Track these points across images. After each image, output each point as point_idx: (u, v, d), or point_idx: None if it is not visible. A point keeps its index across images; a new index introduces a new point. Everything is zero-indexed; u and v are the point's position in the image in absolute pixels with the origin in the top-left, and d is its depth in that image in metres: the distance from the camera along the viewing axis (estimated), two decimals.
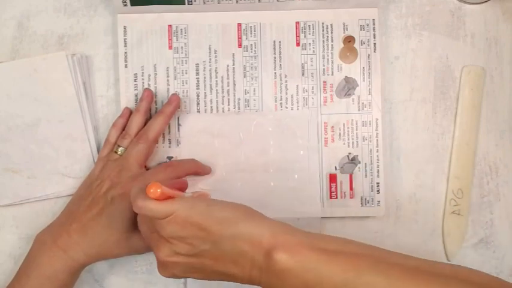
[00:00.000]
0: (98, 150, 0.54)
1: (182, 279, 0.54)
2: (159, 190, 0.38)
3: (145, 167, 0.52)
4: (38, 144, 0.53)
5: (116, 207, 0.47)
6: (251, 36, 0.54)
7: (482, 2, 0.55)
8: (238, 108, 0.54)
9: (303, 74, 0.54)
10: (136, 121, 0.51)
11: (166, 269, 0.42)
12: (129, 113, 0.53)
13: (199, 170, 0.52)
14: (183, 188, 0.49)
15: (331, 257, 0.38)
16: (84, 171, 0.53)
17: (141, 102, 0.52)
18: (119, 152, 0.50)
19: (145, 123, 0.52)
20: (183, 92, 0.54)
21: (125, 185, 0.47)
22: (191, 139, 0.53)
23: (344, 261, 0.37)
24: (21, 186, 0.53)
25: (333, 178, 0.53)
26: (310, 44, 0.54)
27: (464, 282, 0.37)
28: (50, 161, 0.53)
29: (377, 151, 0.54)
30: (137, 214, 0.48)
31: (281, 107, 0.54)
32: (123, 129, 0.52)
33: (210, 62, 0.54)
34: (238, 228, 0.39)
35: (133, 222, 0.48)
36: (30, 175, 0.53)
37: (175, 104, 0.52)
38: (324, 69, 0.54)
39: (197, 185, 0.53)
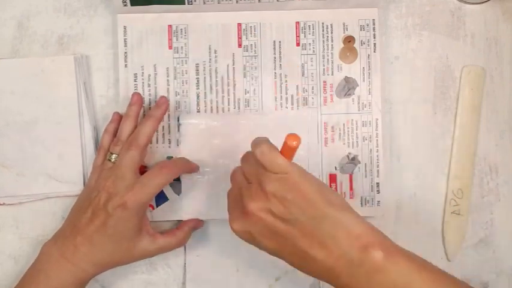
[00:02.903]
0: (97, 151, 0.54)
1: (182, 280, 0.54)
2: (294, 143, 0.39)
3: (145, 167, 0.52)
4: (32, 143, 0.53)
5: (119, 219, 0.46)
6: (251, 36, 0.54)
7: (482, 2, 0.55)
8: (238, 108, 0.54)
9: (303, 74, 0.54)
10: (128, 127, 0.50)
11: (247, 222, 0.41)
12: (120, 118, 0.52)
13: (191, 167, 0.52)
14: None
15: (421, 268, 0.38)
16: (72, 176, 0.53)
17: (131, 107, 0.51)
18: (112, 160, 0.49)
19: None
20: (183, 92, 0.54)
21: (123, 196, 0.46)
22: (191, 139, 0.53)
23: (431, 274, 0.38)
24: (8, 182, 0.53)
25: (332, 178, 0.53)
26: (310, 44, 0.54)
27: None
28: (40, 161, 0.53)
29: (377, 151, 0.54)
30: (143, 218, 0.48)
31: (281, 107, 0.54)
32: (115, 134, 0.51)
33: (210, 62, 0.54)
34: (341, 214, 0.39)
35: (139, 229, 0.48)
36: (19, 172, 0.53)
37: (164, 107, 0.51)
38: (324, 69, 0.54)
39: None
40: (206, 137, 0.53)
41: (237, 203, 0.43)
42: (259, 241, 0.41)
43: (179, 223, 0.53)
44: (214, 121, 0.53)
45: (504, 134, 0.55)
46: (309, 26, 0.54)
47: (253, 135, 0.53)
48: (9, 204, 0.53)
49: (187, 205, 0.53)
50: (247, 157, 0.44)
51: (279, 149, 0.41)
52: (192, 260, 0.54)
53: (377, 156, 0.54)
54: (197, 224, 0.52)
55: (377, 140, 0.54)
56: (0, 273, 0.54)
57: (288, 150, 0.41)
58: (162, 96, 0.52)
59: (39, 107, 0.53)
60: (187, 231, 0.51)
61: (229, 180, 0.45)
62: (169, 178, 0.49)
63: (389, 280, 0.38)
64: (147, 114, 0.51)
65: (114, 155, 0.49)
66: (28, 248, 0.54)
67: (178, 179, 0.53)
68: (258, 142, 0.41)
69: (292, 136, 0.40)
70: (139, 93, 0.52)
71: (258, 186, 0.41)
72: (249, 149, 0.51)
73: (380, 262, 0.38)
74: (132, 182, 0.47)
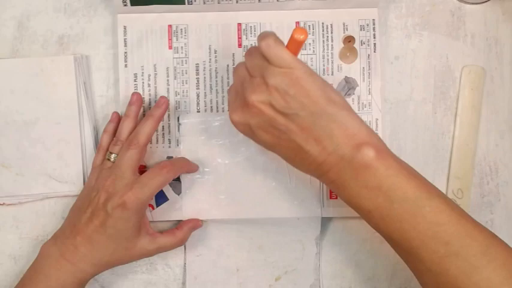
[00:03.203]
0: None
1: (182, 280, 0.54)
2: (302, 36, 0.39)
3: (145, 167, 0.52)
4: (32, 142, 0.53)
5: (118, 218, 0.46)
6: (251, 36, 0.54)
7: (482, 2, 0.55)
8: None
9: None
10: (127, 126, 0.50)
11: (247, 114, 0.41)
12: (119, 117, 0.52)
13: (190, 167, 0.52)
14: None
15: (410, 175, 0.40)
16: (71, 176, 0.53)
17: (131, 106, 0.51)
18: (112, 159, 0.49)
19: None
20: (183, 92, 0.54)
21: (122, 195, 0.46)
22: (191, 139, 0.53)
23: (420, 182, 0.39)
24: (8, 182, 0.53)
25: None
26: (310, 44, 0.54)
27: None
28: (40, 161, 0.53)
29: None
30: (143, 217, 0.48)
31: None
32: (115, 133, 0.51)
33: (210, 62, 0.54)
34: (341, 112, 0.40)
35: (138, 228, 0.48)
36: (19, 172, 0.53)
37: (164, 106, 0.51)
38: (324, 69, 0.54)
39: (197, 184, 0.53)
40: (206, 137, 0.53)
41: (238, 96, 0.43)
42: (257, 134, 0.42)
43: (179, 223, 0.52)
44: (214, 121, 0.53)
45: (504, 134, 0.55)
46: (309, 26, 0.54)
47: None
48: (9, 204, 0.53)
49: (187, 205, 0.53)
50: (252, 51, 0.43)
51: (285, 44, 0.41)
52: (192, 260, 0.54)
53: None
54: (196, 224, 0.52)
55: None
56: (0, 273, 0.54)
57: (294, 45, 0.40)
58: (162, 97, 0.52)
59: (39, 107, 0.53)
60: (187, 231, 0.51)
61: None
62: (169, 178, 0.49)
63: (375, 179, 0.38)
64: (147, 113, 0.51)
65: (113, 154, 0.49)
66: (28, 248, 0.54)
67: (178, 179, 0.53)
68: (264, 35, 0.41)
69: (300, 30, 0.40)
70: (138, 93, 0.52)
71: (260, 80, 0.41)
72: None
73: (370, 160, 0.38)
74: (132, 181, 0.47)
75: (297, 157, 0.41)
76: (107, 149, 0.51)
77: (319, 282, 0.54)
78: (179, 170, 0.51)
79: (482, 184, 0.55)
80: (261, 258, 0.54)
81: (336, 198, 0.53)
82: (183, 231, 0.51)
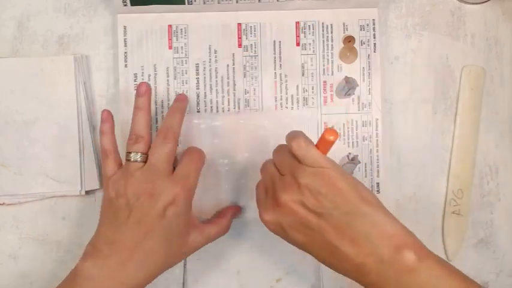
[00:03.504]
0: (96, 153, 0.54)
1: (182, 281, 0.54)
2: (332, 137, 0.40)
3: None
4: (31, 142, 0.53)
5: (172, 217, 0.43)
6: (251, 36, 0.54)
7: (482, 2, 0.55)
8: (238, 108, 0.54)
9: (303, 74, 0.54)
10: (144, 120, 0.46)
11: (279, 213, 0.41)
12: (111, 116, 0.48)
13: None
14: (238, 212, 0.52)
15: (452, 274, 0.38)
16: (69, 177, 0.53)
17: (141, 98, 0.47)
18: (133, 159, 0.45)
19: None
20: (183, 92, 0.54)
21: (172, 192, 0.43)
22: (191, 139, 0.53)
23: (461, 281, 0.38)
24: (6, 181, 0.53)
25: None
26: (310, 44, 0.54)
27: None
28: (39, 161, 0.53)
29: (377, 151, 0.54)
30: (192, 197, 0.45)
31: (281, 107, 0.54)
32: (114, 134, 0.48)
33: (210, 62, 0.54)
34: (376, 212, 0.39)
35: (189, 223, 0.46)
36: (17, 171, 0.53)
37: (186, 101, 0.50)
38: (324, 69, 0.54)
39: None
40: (206, 137, 0.53)
41: (268, 194, 0.42)
42: (289, 234, 0.41)
43: (220, 211, 0.52)
44: (214, 121, 0.53)
45: (504, 134, 0.55)
46: (309, 26, 0.54)
47: (253, 135, 0.53)
48: (9, 204, 0.53)
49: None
50: (281, 149, 0.43)
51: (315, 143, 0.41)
52: (192, 263, 0.54)
53: (377, 156, 0.54)
54: (237, 211, 0.52)
55: (377, 140, 0.54)
56: (0, 273, 0.54)
57: (324, 145, 0.41)
58: (181, 94, 0.52)
59: (39, 107, 0.53)
60: (229, 219, 0.50)
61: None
62: (202, 163, 0.47)
63: (419, 282, 0.37)
64: (171, 107, 0.48)
65: (135, 153, 0.45)
66: (28, 248, 0.54)
67: None
68: (294, 135, 0.41)
69: (331, 131, 0.40)
70: (147, 83, 0.49)
71: (291, 179, 0.40)
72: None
73: (412, 263, 0.37)
74: (174, 176, 0.44)
75: (333, 258, 0.40)
76: (116, 152, 0.47)
77: (320, 282, 0.54)
78: (202, 156, 0.48)
79: (482, 184, 0.55)
80: (261, 259, 0.54)
81: None
82: (226, 219, 0.50)
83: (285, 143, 0.43)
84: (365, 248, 0.38)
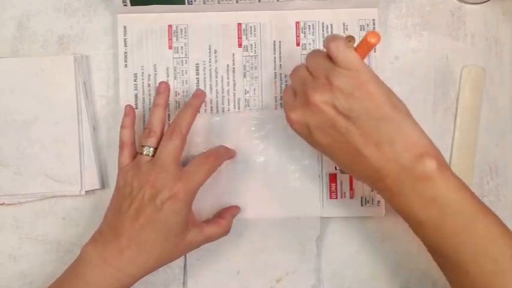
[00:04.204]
0: (96, 153, 0.54)
1: (182, 281, 0.54)
2: (373, 40, 0.40)
3: None
4: (30, 142, 0.53)
5: (169, 212, 0.44)
6: (251, 36, 0.54)
7: (482, 2, 0.55)
8: (238, 108, 0.54)
9: None
10: (159, 116, 0.48)
11: (308, 112, 0.41)
12: (133, 110, 0.51)
13: (230, 154, 0.52)
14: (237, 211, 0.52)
15: (467, 191, 0.39)
16: (69, 176, 0.53)
17: (160, 95, 0.50)
18: (145, 152, 0.47)
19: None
20: (183, 92, 0.54)
21: (172, 187, 0.44)
22: (191, 139, 0.53)
23: (476, 200, 0.39)
24: (6, 181, 0.53)
25: (332, 178, 0.53)
26: (310, 44, 0.54)
27: None
28: (38, 160, 0.53)
29: None
30: (193, 196, 0.46)
31: (281, 106, 0.54)
32: (134, 127, 0.50)
33: (210, 62, 0.54)
34: (404, 120, 0.40)
35: (187, 221, 0.46)
36: (17, 171, 0.53)
37: (202, 98, 0.50)
38: None
39: None
40: (206, 137, 0.53)
41: (298, 96, 0.42)
42: (314, 134, 0.41)
43: (220, 211, 0.52)
44: (215, 121, 0.53)
45: (504, 134, 0.55)
46: (309, 26, 0.54)
47: (253, 135, 0.53)
48: (9, 204, 0.53)
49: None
50: (317, 53, 0.43)
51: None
52: (192, 264, 0.54)
53: None
54: (236, 211, 0.52)
55: None
56: (0, 273, 0.54)
57: (364, 48, 0.41)
58: (199, 89, 0.52)
59: (38, 107, 0.53)
60: (230, 219, 0.50)
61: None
62: (215, 166, 0.48)
63: (433, 190, 0.38)
64: (185, 103, 0.49)
65: (148, 147, 0.47)
66: (28, 248, 0.54)
67: None
68: (334, 37, 0.41)
69: (373, 33, 0.40)
70: (167, 82, 0.52)
71: (325, 80, 0.40)
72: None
73: (431, 171, 0.38)
74: (178, 172, 0.45)
75: (353, 161, 0.41)
76: (133, 144, 0.49)
77: (320, 283, 0.53)
78: (222, 158, 0.50)
79: (482, 184, 0.55)
80: (261, 260, 0.54)
81: (336, 198, 0.53)
82: (227, 220, 0.50)
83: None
84: (387, 152, 0.39)
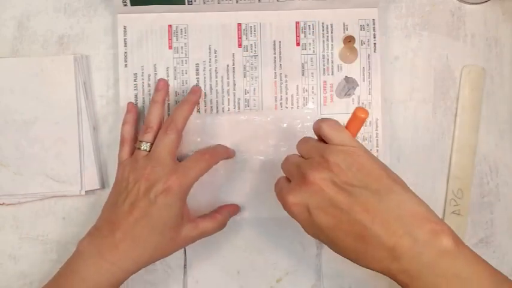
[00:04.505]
0: (96, 153, 0.54)
1: (182, 281, 0.54)
2: (363, 115, 0.40)
3: None
4: (30, 142, 0.53)
5: (162, 205, 0.44)
6: (251, 36, 0.54)
7: (482, 2, 0.55)
8: (238, 108, 0.54)
9: (303, 74, 0.54)
10: (157, 113, 0.49)
11: (306, 192, 0.39)
12: (135, 107, 0.52)
13: (229, 153, 0.52)
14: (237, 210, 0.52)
15: (483, 262, 0.37)
16: (68, 176, 0.53)
17: (158, 92, 0.50)
18: (143, 148, 0.47)
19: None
20: (183, 92, 0.54)
21: (166, 181, 0.44)
22: (191, 139, 0.53)
23: (491, 270, 0.37)
24: (6, 181, 0.53)
25: None
26: (310, 44, 0.54)
27: None
28: (38, 160, 0.53)
29: (377, 151, 0.54)
30: (188, 190, 0.46)
31: (281, 107, 0.54)
32: (135, 124, 0.51)
33: (210, 62, 0.54)
34: (407, 193, 0.38)
35: (182, 216, 0.46)
36: (17, 171, 0.53)
37: (198, 93, 0.51)
38: (324, 69, 0.54)
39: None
40: (206, 137, 0.53)
41: (294, 179, 0.41)
42: (315, 215, 0.39)
43: (218, 207, 0.52)
44: (215, 121, 0.53)
45: (504, 134, 0.55)
46: (309, 26, 0.54)
47: (253, 135, 0.53)
48: (9, 204, 0.53)
49: (188, 205, 0.53)
50: (306, 139, 0.43)
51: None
52: (192, 264, 0.54)
53: (377, 156, 0.54)
54: (235, 209, 0.52)
55: (377, 140, 0.54)
56: (0, 273, 0.54)
57: (354, 124, 0.41)
58: (195, 86, 0.53)
59: (38, 107, 0.53)
60: (226, 215, 0.50)
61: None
62: (211, 163, 0.48)
63: (457, 265, 0.36)
64: (182, 99, 0.51)
65: (145, 143, 0.48)
66: (28, 248, 0.54)
67: None
68: (324, 119, 0.42)
69: (361, 109, 0.41)
70: (165, 79, 0.52)
71: (320, 158, 0.40)
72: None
73: (449, 248, 0.36)
74: (173, 167, 0.46)
75: (360, 243, 0.37)
76: (133, 140, 0.50)
77: (320, 282, 0.54)
78: (220, 156, 0.50)
79: (482, 184, 0.55)
80: (261, 260, 0.54)
81: None
82: (223, 215, 0.50)
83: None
84: (397, 229, 0.36)
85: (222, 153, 0.51)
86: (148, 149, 0.48)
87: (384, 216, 0.37)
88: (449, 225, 0.38)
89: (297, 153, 0.44)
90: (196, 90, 0.52)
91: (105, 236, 0.45)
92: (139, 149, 0.48)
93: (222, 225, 0.50)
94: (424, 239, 0.36)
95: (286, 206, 0.41)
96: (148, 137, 0.48)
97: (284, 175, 0.44)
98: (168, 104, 0.53)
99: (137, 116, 0.52)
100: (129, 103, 0.52)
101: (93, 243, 0.45)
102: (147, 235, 0.44)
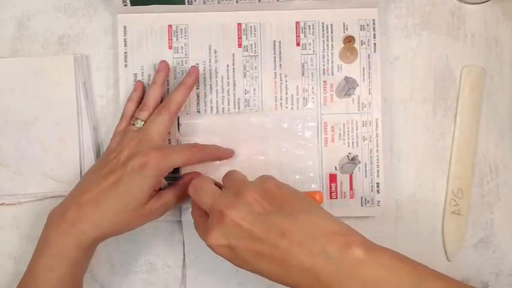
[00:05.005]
0: (96, 152, 0.54)
1: (182, 280, 0.54)
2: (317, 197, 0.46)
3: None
4: (30, 142, 0.53)
5: (136, 176, 0.45)
6: (251, 36, 0.54)
7: (482, 2, 0.55)
8: (238, 108, 0.54)
9: (303, 74, 0.54)
10: (154, 93, 0.50)
11: (225, 230, 0.40)
12: (143, 86, 0.53)
13: (222, 155, 0.52)
14: None
15: (400, 261, 0.38)
16: (69, 176, 0.53)
17: (158, 73, 0.51)
18: (137, 125, 0.49)
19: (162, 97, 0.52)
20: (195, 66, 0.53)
21: (147, 154, 0.45)
22: (191, 139, 0.53)
23: (410, 266, 0.38)
24: (6, 181, 0.53)
25: (333, 178, 0.53)
26: (310, 44, 0.54)
27: None
28: (38, 160, 0.53)
29: (377, 151, 0.54)
30: (163, 173, 0.46)
31: (281, 107, 0.54)
32: (139, 103, 0.51)
33: (210, 62, 0.54)
34: (317, 212, 0.41)
35: (150, 195, 0.46)
36: (17, 171, 0.53)
37: (195, 75, 0.51)
38: (324, 69, 0.54)
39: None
40: (206, 137, 0.53)
41: (210, 214, 0.42)
42: (239, 251, 0.40)
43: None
44: (215, 121, 0.53)
45: (504, 134, 0.55)
46: (309, 26, 0.54)
47: (253, 135, 0.53)
48: (9, 204, 0.53)
49: (187, 205, 0.53)
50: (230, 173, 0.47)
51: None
52: (191, 262, 0.54)
53: (377, 156, 0.54)
54: (197, 175, 0.52)
55: (377, 140, 0.54)
56: (0, 273, 0.54)
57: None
58: (193, 66, 0.52)
59: (38, 106, 0.53)
60: (188, 181, 0.49)
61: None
62: (198, 157, 0.49)
63: (371, 273, 0.37)
64: (179, 83, 0.51)
65: (139, 120, 0.49)
66: (28, 248, 0.53)
67: (178, 177, 0.52)
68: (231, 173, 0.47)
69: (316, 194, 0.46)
70: (166, 61, 0.53)
71: (233, 197, 0.42)
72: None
73: (362, 257, 0.37)
74: (158, 145, 0.47)
75: (284, 267, 0.39)
76: (132, 116, 0.50)
77: None
78: (208, 156, 0.51)
79: (482, 184, 0.55)
80: None
81: (336, 198, 0.53)
82: (183, 180, 0.50)
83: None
84: (313, 248, 0.38)
85: (213, 152, 0.51)
86: (141, 127, 0.49)
87: (299, 237, 0.38)
88: (359, 234, 0.40)
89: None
90: (192, 72, 0.52)
91: (73, 196, 0.46)
92: (133, 125, 0.49)
93: (184, 190, 0.49)
94: (336, 254, 0.38)
95: (210, 247, 0.42)
96: (144, 114, 0.49)
97: (201, 204, 0.44)
98: (168, 88, 0.53)
99: (142, 95, 0.52)
100: (137, 82, 0.53)
101: (60, 206, 0.46)
102: (111, 201, 0.45)
